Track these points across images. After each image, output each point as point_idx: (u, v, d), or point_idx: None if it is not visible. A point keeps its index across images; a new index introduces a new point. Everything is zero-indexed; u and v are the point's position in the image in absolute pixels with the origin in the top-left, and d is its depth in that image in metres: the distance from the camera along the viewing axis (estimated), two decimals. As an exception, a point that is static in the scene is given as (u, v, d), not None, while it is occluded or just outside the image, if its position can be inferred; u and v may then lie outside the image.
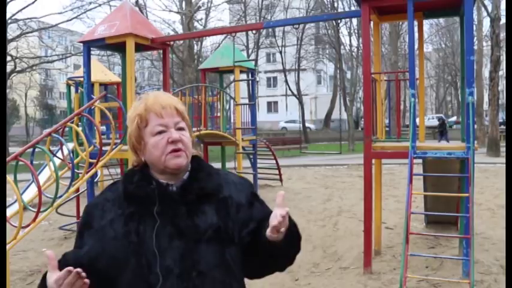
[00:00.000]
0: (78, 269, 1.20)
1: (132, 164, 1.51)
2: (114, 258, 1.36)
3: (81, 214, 7.31)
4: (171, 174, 1.43)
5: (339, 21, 28.04)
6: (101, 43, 6.74)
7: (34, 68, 25.40)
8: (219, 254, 1.38)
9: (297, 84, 36.63)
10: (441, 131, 23.50)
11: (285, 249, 1.41)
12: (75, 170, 6.15)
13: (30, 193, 6.98)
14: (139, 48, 6.95)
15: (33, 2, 20.08)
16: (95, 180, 8.81)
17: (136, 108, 1.45)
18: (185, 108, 1.50)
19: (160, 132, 1.41)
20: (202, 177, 1.46)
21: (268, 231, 1.33)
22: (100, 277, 1.35)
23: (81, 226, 1.47)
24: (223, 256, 1.39)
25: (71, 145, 6.90)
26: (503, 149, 19.93)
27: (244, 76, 11.62)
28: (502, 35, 20.64)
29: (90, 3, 22.42)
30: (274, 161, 12.66)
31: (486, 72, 25.31)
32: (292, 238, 1.42)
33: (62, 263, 1.33)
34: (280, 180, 12.61)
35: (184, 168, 1.44)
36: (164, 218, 1.37)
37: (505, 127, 29.46)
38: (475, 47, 18.29)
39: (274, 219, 1.30)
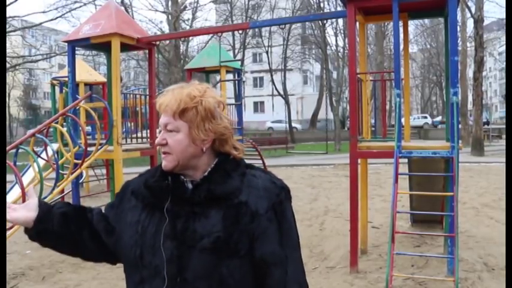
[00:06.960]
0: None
1: None
2: (125, 243, 1.41)
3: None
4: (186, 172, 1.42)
5: (325, 21, 28.08)
6: (86, 43, 6.67)
7: (17, 67, 24.98)
8: (211, 265, 1.28)
9: (283, 84, 36.72)
10: None
11: None
12: (60, 171, 6.09)
13: (14, 195, 6.88)
14: (124, 48, 6.90)
15: (15, 0, 19.74)
16: (80, 181, 8.72)
17: None
18: (191, 105, 1.36)
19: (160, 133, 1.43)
20: (217, 178, 1.36)
21: None
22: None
23: (116, 197, 1.53)
24: (217, 268, 1.28)
25: (55, 146, 6.82)
26: (487, 148, 20.22)
27: (230, 76, 11.59)
28: (486, 36, 20.93)
29: (75, 2, 22.07)
30: (260, 161, 12.64)
31: (470, 73, 25.63)
32: None
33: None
34: (267, 180, 12.56)
35: (179, 169, 1.37)
36: (167, 216, 1.35)
37: (488, 127, 30.06)
38: (459, 48, 18.48)
39: None
